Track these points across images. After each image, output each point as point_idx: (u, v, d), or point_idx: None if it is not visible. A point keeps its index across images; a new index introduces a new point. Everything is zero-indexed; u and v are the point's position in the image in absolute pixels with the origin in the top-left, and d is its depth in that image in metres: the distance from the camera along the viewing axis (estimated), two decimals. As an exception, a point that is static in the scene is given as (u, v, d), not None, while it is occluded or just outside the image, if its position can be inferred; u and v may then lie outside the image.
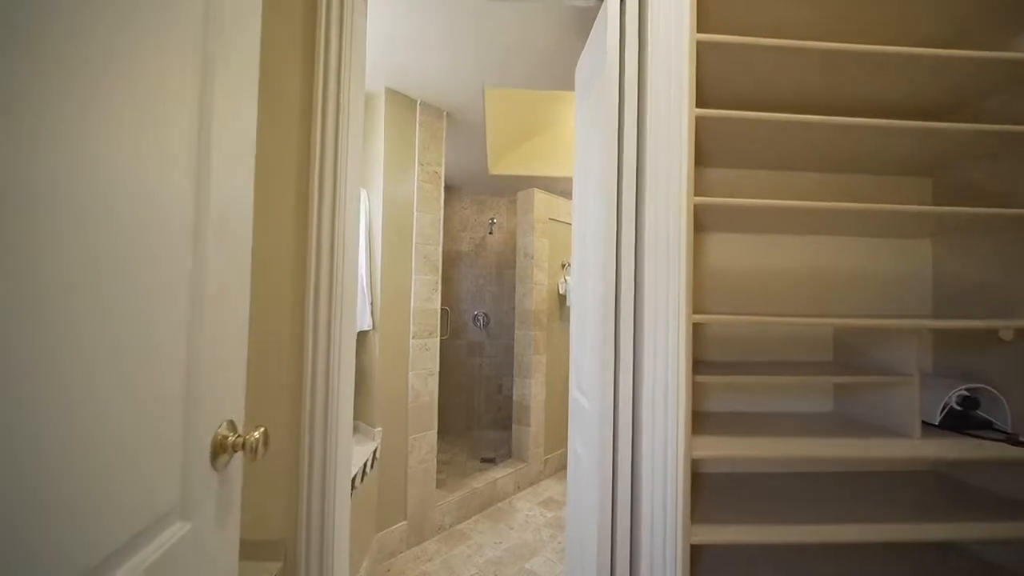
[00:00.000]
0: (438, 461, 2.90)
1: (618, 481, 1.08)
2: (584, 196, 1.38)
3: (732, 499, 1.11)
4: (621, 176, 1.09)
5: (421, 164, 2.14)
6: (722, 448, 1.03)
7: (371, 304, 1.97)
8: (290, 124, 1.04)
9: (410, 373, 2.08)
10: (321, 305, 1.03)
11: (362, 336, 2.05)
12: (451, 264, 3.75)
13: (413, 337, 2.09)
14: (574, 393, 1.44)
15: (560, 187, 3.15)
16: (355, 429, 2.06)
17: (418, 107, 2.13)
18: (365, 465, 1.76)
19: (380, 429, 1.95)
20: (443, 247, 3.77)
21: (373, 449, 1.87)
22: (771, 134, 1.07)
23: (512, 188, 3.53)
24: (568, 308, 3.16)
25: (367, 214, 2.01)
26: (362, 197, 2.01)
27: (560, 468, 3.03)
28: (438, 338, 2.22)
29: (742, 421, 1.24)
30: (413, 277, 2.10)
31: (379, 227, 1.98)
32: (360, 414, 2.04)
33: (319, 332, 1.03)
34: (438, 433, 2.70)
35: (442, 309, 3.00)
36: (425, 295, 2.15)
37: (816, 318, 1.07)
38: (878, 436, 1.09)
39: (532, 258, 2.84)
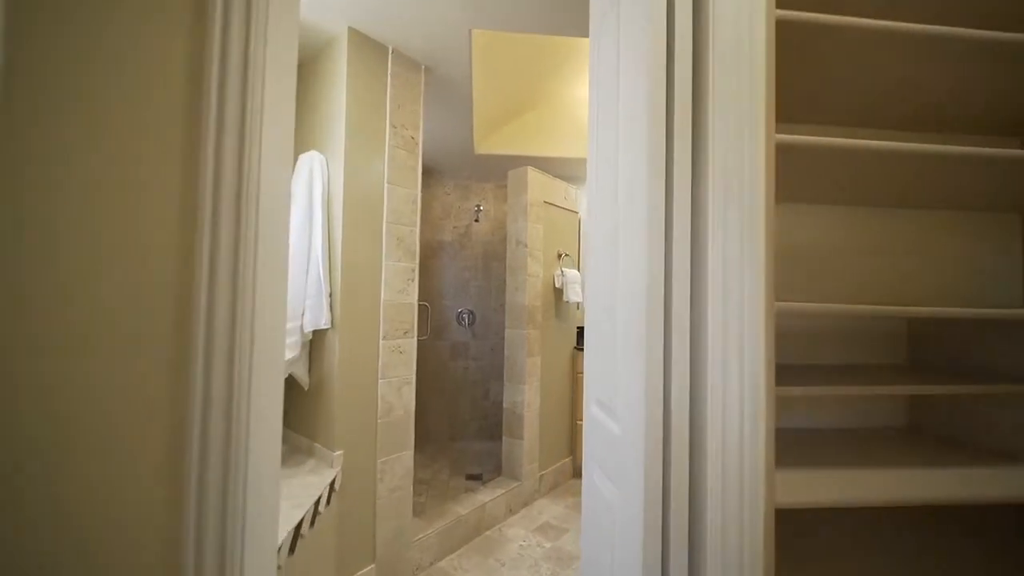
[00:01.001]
0: (416, 481, 2.50)
1: (671, 537, 0.73)
2: (607, 160, 1.03)
3: (816, 545, 0.80)
4: (672, 115, 0.74)
5: (394, 127, 1.75)
6: (815, 490, 0.74)
7: (329, 296, 1.57)
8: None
9: (380, 382, 1.69)
10: (219, 296, 0.64)
11: (319, 337, 1.64)
12: (432, 255, 3.36)
13: (384, 338, 1.70)
14: (594, 412, 1.08)
15: (556, 169, 2.80)
16: (310, 452, 1.67)
17: (390, 56, 1.74)
18: (318, 502, 1.36)
19: (341, 452, 1.56)
20: (423, 236, 3.39)
21: (331, 479, 1.48)
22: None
23: (500, 171, 3.16)
24: (566, 304, 2.81)
25: (324, 184, 1.61)
26: (316, 162, 1.61)
27: (556, 485, 2.68)
28: (415, 338, 1.83)
29: (809, 442, 1.00)
30: (384, 263, 1.71)
31: (340, 201, 1.59)
32: (316, 433, 1.64)
33: (215, 336, 0.64)
34: (416, 446, 2.31)
35: (421, 305, 2.61)
36: (399, 286, 1.76)
37: (930, 308, 0.75)
38: (991, 463, 0.82)
39: (525, 246, 2.48)
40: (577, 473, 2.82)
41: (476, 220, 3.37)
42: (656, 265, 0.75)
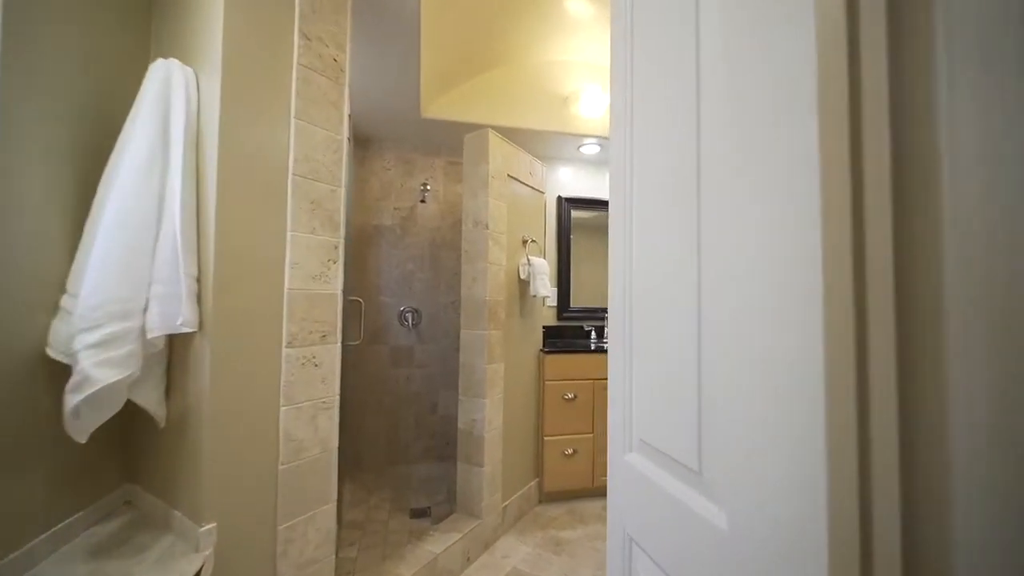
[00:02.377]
0: (345, 525, 1.94)
1: None
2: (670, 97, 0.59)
3: None
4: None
5: (307, 39, 1.21)
6: None
7: (196, 282, 1.00)
8: None
9: (283, 410, 1.14)
10: None
11: (181, 346, 1.07)
12: (367, 243, 2.78)
13: (289, 344, 1.15)
14: (637, 463, 0.65)
15: (519, 143, 2.37)
16: (167, 526, 1.05)
17: (300, -65, 1.20)
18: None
19: (213, 527, 0.99)
20: (357, 220, 2.80)
21: (194, 573, 0.92)
22: None
23: (452, 142, 2.67)
24: (535, 299, 2.38)
25: (190, 111, 1.04)
26: (177, 77, 1.04)
27: (521, 515, 2.23)
28: (339, 344, 1.29)
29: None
30: (289, 236, 1.16)
31: (214, 138, 1.02)
32: (176, 496, 1.06)
33: None
34: (347, 477, 1.76)
35: (352, 300, 2.05)
36: (313, 269, 1.22)
37: None
38: None
39: (486, 227, 2.01)
40: (544, 498, 2.40)
41: (422, 201, 2.84)
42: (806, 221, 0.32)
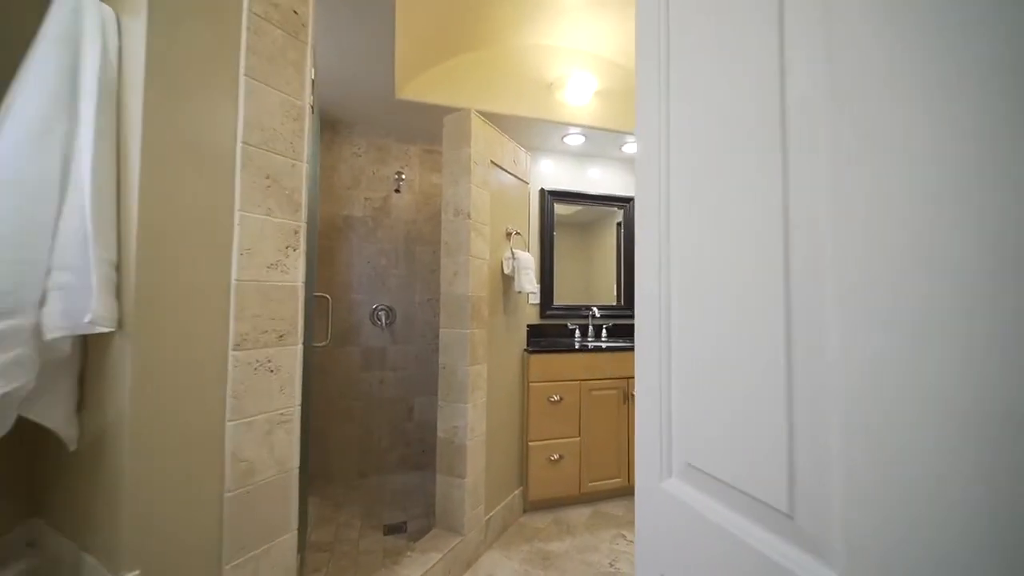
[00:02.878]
0: (310, 548, 1.74)
1: None
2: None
3: None
4: None
5: (260, -15, 1.02)
6: None
7: (114, 269, 0.80)
8: None
9: (228, 427, 0.94)
10: None
11: (98, 348, 0.86)
12: (336, 235, 2.57)
13: (236, 347, 0.96)
14: (679, 492, 0.51)
15: (501, 127, 2.22)
16: (75, 574, 0.85)
17: None
18: None
19: (136, 575, 0.79)
20: (326, 211, 2.57)
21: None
22: None
23: (429, 127, 2.50)
24: (519, 296, 2.23)
25: (107, 57, 0.83)
26: (91, 14, 0.83)
27: (505, 528, 2.08)
28: (300, 345, 1.11)
29: None
30: (238, 215, 0.97)
31: (138, 93, 0.82)
32: (89, 537, 0.86)
33: None
34: (314, 491, 1.57)
35: (319, 296, 1.85)
36: (269, 256, 1.03)
37: None
38: None
39: (468, 217, 1.85)
40: (528, 507, 2.26)
41: (397, 191, 2.64)
42: None
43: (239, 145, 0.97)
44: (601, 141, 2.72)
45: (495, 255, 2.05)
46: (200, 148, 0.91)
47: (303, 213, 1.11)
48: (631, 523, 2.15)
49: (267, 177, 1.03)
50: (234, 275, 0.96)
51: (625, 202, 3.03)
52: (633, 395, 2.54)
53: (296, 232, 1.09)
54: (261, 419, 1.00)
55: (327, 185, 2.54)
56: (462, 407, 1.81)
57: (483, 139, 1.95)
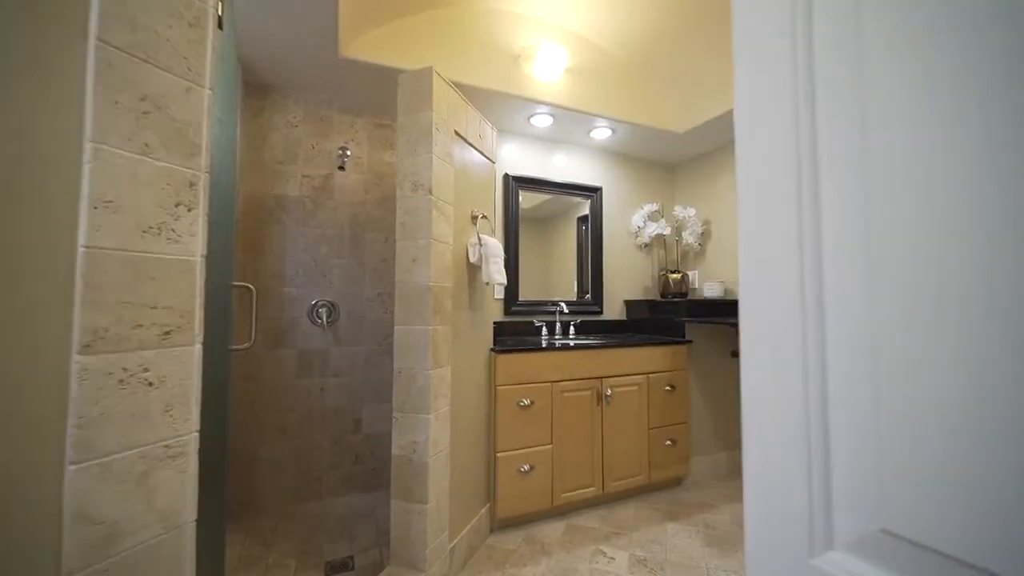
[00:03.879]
0: (227, 609, 1.37)
1: None
2: None
3: None
4: None
5: None
6: None
7: None
8: None
9: (69, 473, 0.61)
10: None
11: None
12: (267, 216, 2.16)
13: (87, 349, 0.62)
14: (843, 563, 0.29)
15: (470, 97, 1.95)
16: None
17: None
18: None
19: None
20: (248, 188, 2.12)
21: None
22: None
23: (379, 95, 2.19)
24: (487, 288, 1.97)
25: None
26: None
27: (472, 553, 1.81)
28: (197, 346, 0.78)
29: None
30: (90, 148, 0.63)
31: None
32: None
33: None
34: (238, 522, 1.21)
35: (239, 287, 1.48)
36: (148, 216, 0.70)
37: None
38: None
39: (429, 192, 1.56)
40: (496, 526, 2.01)
41: (341, 168, 2.28)
42: None
43: (92, 42, 0.64)
44: (569, 125, 2.54)
45: (459, 240, 1.78)
46: (7, 37, 0.57)
47: (203, 160, 0.79)
48: (608, 537, 1.96)
49: (143, 99, 0.70)
50: (82, 239, 0.63)
51: (592, 191, 2.87)
52: (607, 395, 2.37)
53: (192, 185, 0.77)
54: (130, 457, 0.67)
55: (255, 158, 2.14)
56: (423, 418, 1.52)
57: (446, 104, 1.68)
